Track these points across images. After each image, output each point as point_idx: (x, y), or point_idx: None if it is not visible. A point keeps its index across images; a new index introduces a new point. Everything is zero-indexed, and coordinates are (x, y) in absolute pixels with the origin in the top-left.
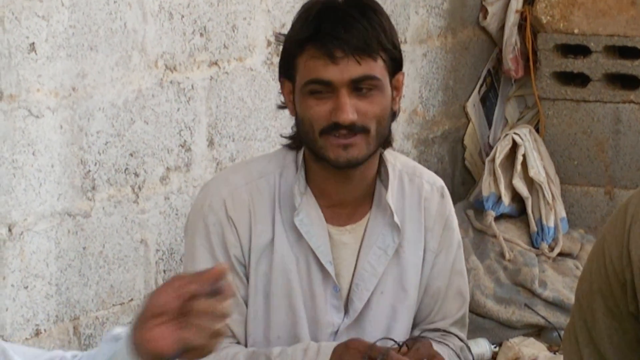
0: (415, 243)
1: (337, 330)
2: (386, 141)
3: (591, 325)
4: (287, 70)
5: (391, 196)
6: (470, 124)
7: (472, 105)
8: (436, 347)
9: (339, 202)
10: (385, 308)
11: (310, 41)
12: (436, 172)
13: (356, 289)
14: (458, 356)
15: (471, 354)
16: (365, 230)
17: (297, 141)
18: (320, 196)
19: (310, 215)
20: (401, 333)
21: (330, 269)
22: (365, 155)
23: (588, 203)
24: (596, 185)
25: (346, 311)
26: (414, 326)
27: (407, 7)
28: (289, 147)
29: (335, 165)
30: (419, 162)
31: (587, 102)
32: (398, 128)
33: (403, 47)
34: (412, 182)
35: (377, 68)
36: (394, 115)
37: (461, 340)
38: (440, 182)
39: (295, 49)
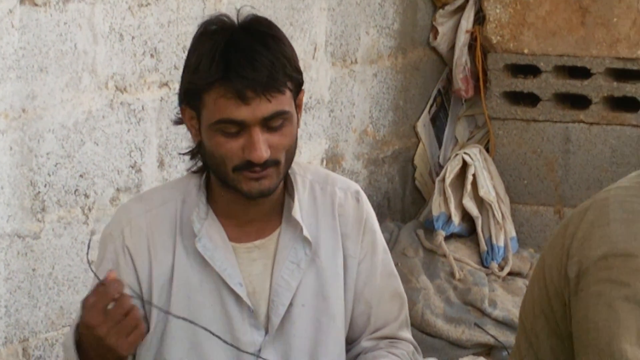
0: (333, 252)
1: (260, 349)
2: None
3: (536, 347)
4: (191, 101)
5: (299, 210)
6: (421, 144)
7: (423, 125)
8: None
9: (246, 221)
10: (309, 321)
11: (219, 80)
12: (386, 192)
13: (272, 305)
14: None
15: (420, 353)
16: (277, 245)
17: (202, 166)
18: (225, 216)
19: (213, 239)
20: (332, 345)
21: (240, 290)
22: (277, 184)
23: (538, 222)
24: (546, 205)
25: (266, 328)
26: (358, 337)
27: (357, 27)
28: (194, 171)
29: (248, 196)
30: (369, 182)
31: (537, 121)
32: (348, 148)
33: (353, 67)
34: (324, 191)
35: (286, 100)
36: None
37: (411, 343)
38: (355, 187)
39: (203, 85)
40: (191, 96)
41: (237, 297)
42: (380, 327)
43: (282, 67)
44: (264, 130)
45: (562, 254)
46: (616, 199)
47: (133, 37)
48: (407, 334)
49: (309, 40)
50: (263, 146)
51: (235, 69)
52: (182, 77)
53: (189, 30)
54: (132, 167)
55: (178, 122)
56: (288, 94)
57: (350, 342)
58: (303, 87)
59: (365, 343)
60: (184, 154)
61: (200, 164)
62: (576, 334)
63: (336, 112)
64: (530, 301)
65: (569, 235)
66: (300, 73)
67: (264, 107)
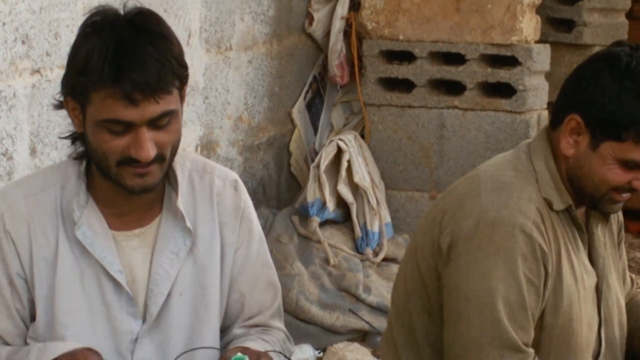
0: (210, 240)
1: (137, 337)
2: None
3: (409, 326)
4: (77, 96)
5: (182, 201)
6: (296, 130)
7: (298, 112)
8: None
9: (126, 210)
10: (186, 310)
11: (107, 81)
12: (261, 179)
13: (151, 294)
14: (282, 349)
15: (291, 342)
16: (157, 234)
17: (82, 152)
18: (105, 205)
19: (92, 227)
20: (208, 334)
21: (120, 277)
22: (160, 179)
23: (413, 208)
24: (421, 191)
25: (144, 317)
26: (231, 324)
27: (232, 14)
28: (73, 157)
29: (130, 191)
30: (244, 168)
31: (411, 107)
32: (223, 135)
33: (228, 54)
34: (202, 180)
35: (173, 99)
36: None
37: (282, 331)
38: (233, 175)
39: (92, 85)
40: (78, 92)
41: (117, 285)
42: (253, 315)
43: (170, 67)
44: (151, 129)
45: (434, 228)
46: (486, 173)
47: (4, 24)
48: (279, 323)
49: (183, 26)
50: (150, 145)
51: (126, 72)
52: (68, 71)
53: (62, 17)
54: (4, 155)
55: (58, 107)
56: (175, 92)
57: (223, 329)
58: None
59: (237, 331)
60: (64, 138)
61: (80, 149)
62: (447, 304)
63: (211, 98)
64: (403, 281)
65: (440, 209)
66: (186, 68)
67: (152, 109)
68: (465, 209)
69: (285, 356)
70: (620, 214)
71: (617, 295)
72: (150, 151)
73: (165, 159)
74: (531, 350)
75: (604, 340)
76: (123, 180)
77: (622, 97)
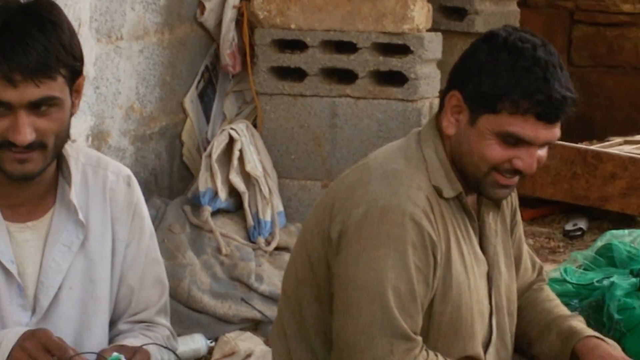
0: (102, 235)
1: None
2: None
3: (299, 316)
4: None
5: (75, 193)
6: (188, 120)
7: (190, 101)
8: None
9: (18, 202)
10: (75, 303)
11: None
12: (153, 169)
13: (42, 287)
14: (166, 345)
15: (176, 340)
16: (49, 227)
17: None
18: None
19: None
20: (97, 328)
21: (12, 267)
22: (42, 168)
23: (305, 197)
24: (313, 179)
25: (33, 309)
26: (117, 319)
27: (123, 3)
28: None
29: (10, 177)
30: (136, 158)
31: (304, 96)
32: (114, 125)
33: (119, 44)
34: (96, 174)
35: (57, 87)
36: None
37: (167, 328)
38: (126, 171)
39: None
40: None
41: (8, 276)
42: (139, 311)
43: (56, 53)
44: (31, 113)
45: (324, 217)
46: (376, 162)
47: None
48: (164, 320)
49: (73, 16)
50: (27, 129)
51: (7, 53)
52: None
53: None
54: None
55: None
56: (60, 80)
57: (110, 324)
58: (84, 73)
59: (122, 326)
60: None
61: None
62: (337, 293)
63: (102, 88)
64: (293, 270)
65: (330, 198)
66: (79, 60)
67: (31, 92)
68: (354, 198)
69: (167, 348)
70: (515, 199)
71: (507, 283)
72: (28, 135)
73: (46, 147)
74: (419, 339)
75: (494, 328)
76: (3, 165)
77: (497, 69)
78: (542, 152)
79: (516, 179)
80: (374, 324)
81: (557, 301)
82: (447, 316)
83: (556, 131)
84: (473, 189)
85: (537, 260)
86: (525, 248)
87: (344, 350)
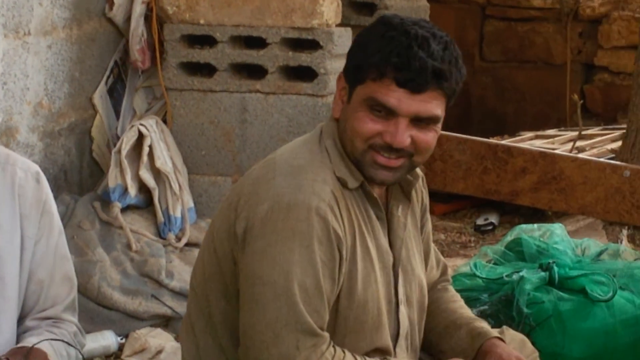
0: (11, 232)
1: None
2: None
3: (207, 312)
4: None
5: None
6: (98, 116)
7: (100, 97)
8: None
9: None
10: None
11: None
12: (63, 165)
13: None
14: (74, 342)
15: (83, 336)
16: None
17: None
18: None
19: None
20: (5, 325)
21: None
22: None
23: (216, 192)
24: (224, 175)
25: None
26: (25, 316)
27: None
28: None
29: None
30: (45, 155)
31: (213, 92)
32: (23, 121)
33: (27, 39)
34: (4, 171)
35: None
36: None
37: (74, 325)
38: (35, 167)
39: None
40: None
41: None
42: (47, 307)
43: None
44: None
45: (230, 212)
46: (281, 157)
47: None
48: (71, 316)
49: None
50: None
51: None
52: None
53: None
54: None
55: None
56: None
57: (19, 320)
58: None
59: (29, 323)
60: None
61: None
62: (243, 289)
63: (9, 84)
64: (201, 266)
65: (236, 194)
66: None
67: None
68: (259, 194)
69: (71, 344)
70: (426, 196)
71: (420, 277)
72: None
73: None
74: (326, 334)
75: (402, 321)
76: None
77: (366, 40)
78: (424, 134)
79: (398, 161)
80: (279, 320)
81: (462, 302)
82: (353, 311)
83: (428, 106)
84: (360, 171)
85: (442, 258)
86: (432, 246)
87: (250, 347)
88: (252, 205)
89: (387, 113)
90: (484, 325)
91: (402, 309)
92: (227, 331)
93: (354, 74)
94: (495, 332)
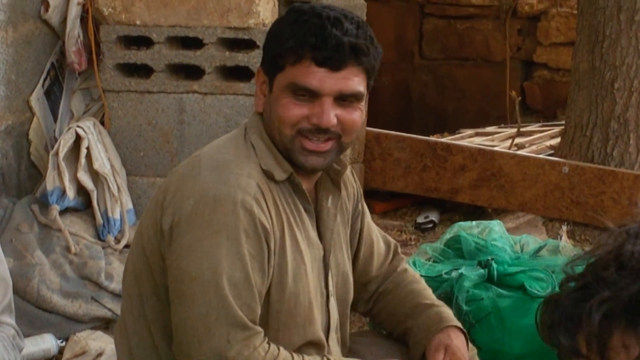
0: None
1: None
2: None
3: (138, 311)
4: None
5: None
6: (35, 118)
7: (37, 99)
8: None
9: None
10: None
11: None
12: (1, 168)
13: None
14: (12, 345)
15: (22, 339)
16: None
17: None
18: None
19: None
20: None
21: None
22: None
23: (154, 193)
24: (162, 176)
25: None
26: None
27: None
28: None
29: None
30: None
31: (151, 93)
32: None
33: None
34: None
35: None
36: None
37: (12, 327)
38: None
39: None
40: None
41: None
42: None
43: None
44: None
45: (157, 210)
46: (207, 153)
47: None
48: (8, 318)
49: None
50: None
51: None
52: None
53: None
54: None
55: None
56: None
57: None
58: None
59: None
60: None
61: None
62: (172, 285)
63: None
64: (131, 266)
65: (162, 191)
66: None
67: None
68: (185, 189)
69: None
70: (359, 189)
71: (344, 271)
72: None
73: None
74: (259, 328)
75: (332, 314)
76: None
77: (279, 29)
78: (349, 113)
79: (327, 144)
80: (210, 314)
81: (424, 284)
82: (285, 304)
83: (350, 82)
84: (291, 162)
85: (391, 240)
86: (377, 234)
87: (182, 343)
88: (177, 201)
89: (311, 95)
90: (448, 311)
91: (332, 301)
92: (160, 329)
93: (271, 64)
94: (458, 323)
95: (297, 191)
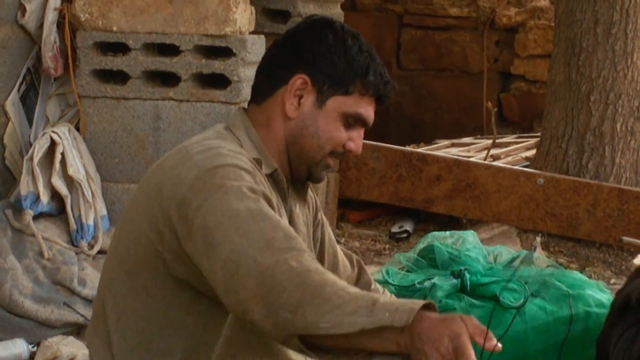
0: None
1: None
2: None
3: (114, 314)
4: None
5: None
6: (10, 123)
7: (12, 104)
8: None
9: None
10: None
11: None
12: None
13: None
14: None
15: None
16: None
17: None
18: None
19: None
20: None
21: None
22: None
23: (129, 200)
24: (137, 183)
25: None
26: None
27: None
28: None
29: None
30: None
31: (127, 99)
32: None
33: None
34: None
35: None
36: None
37: None
38: None
39: None
40: None
41: None
42: None
43: None
44: None
45: (152, 204)
46: (190, 143)
47: None
48: None
49: None
50: None
51: None
52: None
53: None
54: None
55: None
56: None
57: None
58: None
59: None
60: None
61: None
62: (196, 248)
63: None
64: (108, 272)
65: (153, 186)
66: None
67: None
68: (181, 174)
69: None
70: (317, 200)
71: None
72: None
73: None
74: (299, 239)
75: None
76: None
77: (347, 53)
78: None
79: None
80: (251, 245)
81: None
82: None
83: None
84: (300, 172)
85: (353, 255)
86: (338, 247)
87: (234, 274)
88: (176, 184)
89: (357, 122)
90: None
91: None
92: (119, 331)
93: (333, 84)
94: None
95: (278, 188)
